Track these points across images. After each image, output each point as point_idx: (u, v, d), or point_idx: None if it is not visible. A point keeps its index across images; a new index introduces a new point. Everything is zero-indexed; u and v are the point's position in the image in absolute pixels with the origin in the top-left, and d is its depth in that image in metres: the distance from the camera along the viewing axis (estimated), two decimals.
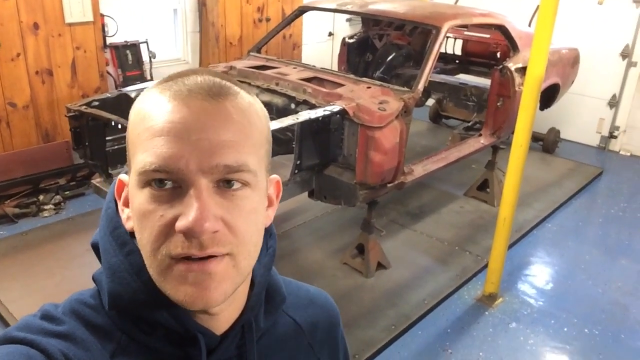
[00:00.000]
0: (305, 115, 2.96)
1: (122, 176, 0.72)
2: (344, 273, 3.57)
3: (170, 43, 5.36)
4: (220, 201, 0.62)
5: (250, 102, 0.68)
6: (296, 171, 3.16)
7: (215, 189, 0.62)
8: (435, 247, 3.96)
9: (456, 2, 6.17)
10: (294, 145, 3.15)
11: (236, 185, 0.64)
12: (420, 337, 3.11)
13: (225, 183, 0.63)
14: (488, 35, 5.19)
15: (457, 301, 3.43)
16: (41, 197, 4.19)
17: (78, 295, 0.73)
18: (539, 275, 3.80)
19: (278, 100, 3.46)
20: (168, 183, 0.62)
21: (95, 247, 0.74)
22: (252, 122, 0.66)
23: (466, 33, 5.34)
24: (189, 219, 0.59)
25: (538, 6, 3.03)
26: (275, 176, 0.77)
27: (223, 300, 0.65)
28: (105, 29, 4.56)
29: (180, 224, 0.60)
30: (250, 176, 0.64)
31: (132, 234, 0.69)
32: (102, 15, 4.49)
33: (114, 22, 4.60)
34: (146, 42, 4.90)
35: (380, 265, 3.61)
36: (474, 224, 4.32)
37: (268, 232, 0.77)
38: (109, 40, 4.62)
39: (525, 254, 4.02)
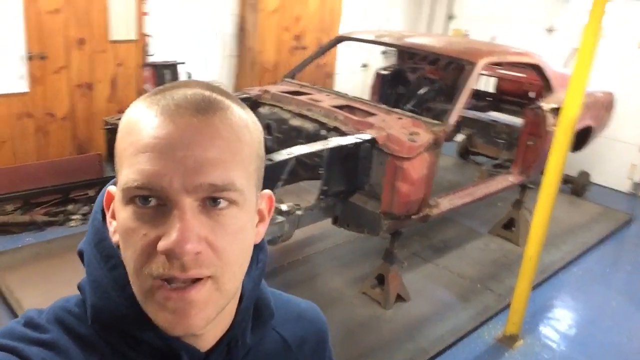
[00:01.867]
0: (335, 141, 2.99)
1: (111, 187, 0.70)
2: (362, 302, 3.54)
3: (207, 65, 5.50)
4: (205, 221, 0.60)
5: (240, 117, 0.65)
6: (322, 197, 3.18)
7: (200, 207, 0.60)
8: (456, 283, 3.90)
9: (492, 40, 6.20)
10: (320, 172, 3.18)
11: (222, 203, 0.61)
12: None
13: (211, 201, 0.61)
14: (522, 75, 5.19)
15: (477, 340, 3.36)
16: (70, 207, 4.29)
17: (63, 303, 0.70)
18: (563, 319, 3.71)
19: (309, 126, 3.50)
20: (152, 200, 0.60)
21: (81, 255, 0.72)
22: (241, 139, 0.63)
23: (500, 71, 5.35)
24: (171, 240, 0.57)
25: (575, 48, 3.03)
26: (267, 191, 0.74)
27: (204, 325, 0.63)
28: (147, 48, 4.72)
29: (161, 245, 0.58)
30: (236, 195, 0.62)
31: (118, 246, 0.66)
32: (145, 35, 4.65)
33: (156, 42, 4.75)
34: (184, 62, 5.04)
35: (399, 298, 3.57)
36: (498, 262, 4.25)
37: (259, 246, 0.75)
38: (149, 59, 4.77)
39: (549, 297, 3.93)
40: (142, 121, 0.62)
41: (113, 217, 0.68)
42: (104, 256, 0.68)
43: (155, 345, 0.66)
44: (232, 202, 0.62)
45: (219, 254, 0.61)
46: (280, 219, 2.92)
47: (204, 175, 0.59)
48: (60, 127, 4.31)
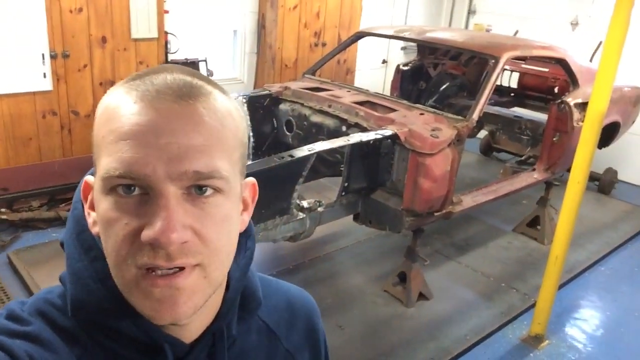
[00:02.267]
0: (356, 137, 2.96)
1: (89, 177, 0.68)
2: (384, 300, 3.51)
3: (228, 62, 5.51)
4: (191, 209, 0.58)
5: (223, 103, 0.63)
6: (343, 193, 3.16)
7: (185, 195, 0.58)
8: (480, 282, 3.84)
9: (515, 34, 6.09)
10: (341, 168, 3.16)
11: (208, 191, 0.59)
12: None
13: (196, 189, 0.59)
14: (546, 69, 5.09)
15: (501, 340, 3.30)
16: None
17: (45, 294, 0.69)
18: (589, 319, 3.63)
19: (330, 122, 3.48)
20: (135, 189, 0.58)
21: (63, 246, 0.71)
22: (225, 125, 0.61)
23: (524, 66, 5.26)
24: (155, 229, 0.56)
25: (601, 42, 2.95)
26: (250, 179, 0.73)
27: (192, 313, 0.61)
28: (168, 45, 4.73)
29: (145, 235, 0.56)
30: (222, 182, 0.60)
31: (98, 238, 0.65)
32: (166, 33, 4.67)
33: (177, 40, 4.77)
34: (205, 60, 5.05)
35: (421, 296, 3.53)
36: (522, 261, 4.17)
37: (247, 234, 0.73)
38: (170, 57, 4.79)
39: (576, 297, 3.84)
40: (121, 107, 0.59)
41: (91, 208, 0.66)
42: (85, 248, 0.66)
43: (137, 337, 0.65)
44: (217, 190, 0.60)
45: (206, 243, 0.59)
46: (301, 215, 2.91)
47: (188, 162, 0.57)
48: (84, 125, 4.35)
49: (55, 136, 4.25)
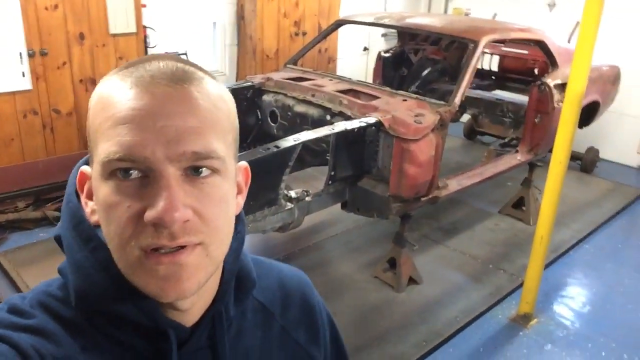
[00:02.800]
0: (341, 126, 2.97)
1: (84, 168, 0.69)
2: (375, 286, 3.54)
3: (208, 55, 5.47)
4: (190, 190, 0.60)
5: (216, 88, 0.65)
6: (330, 182, 3.17)
7: (183, 177, 0.60)
8: (468, 264, 3.89)
9: (494, 17, 6.13)
10: (327, 157, 3.17)
11: (205, 172, 0.61)
12: (451, 355, 3.04)
13: (193, 171, 0.61)
14: (526, 51, 5.13)
15: (491, 320, 3.36)
16: None
17: (45, 287, 0.70)
18: (576, 297, 3.70)
19: (314, 112, 3.48)
20: (134, 173, 0.59)
21: (58, 240, 0.71)
22: (218, 108, 0.64)
23: (503, 49, 5.29)
24: (158, 209, 0.57)
25: (578, 22, 2.99)
26: (243, 163, 0.75)
27: (196, 290, 0.63)
28: (147, 40, 4.69)
29: (149, 215, 0.58)
30: (219, 163, 0.62)
31: (96, 228, 0.66)
32: (145, 27, 4.62)
33: (156, 34, 4.72)
34: (185, 53, 5.01)
35: (411, 280, 3.57)
36: (509, 242, 4.23)
37: (237, 218, 0.74)
38: (150, 51, 4.74)
39: (562, 275, 3.91)
40: (117, 94, 0.61)
41: (89, 197, 0.67)
42: (84, 238, 0.67)
43: (141, 323, 0.66)
44: (214, 171, 0.62)
45: (206, 222, 0.61)
46: (289, 205, 2.92)
47: (186, 143, 0.59)
48: (66, 123, 4.30)
49: (38, 135, 4.20)
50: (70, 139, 4.36)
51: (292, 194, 2.94)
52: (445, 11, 7.44)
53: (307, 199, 3.01)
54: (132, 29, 4.46)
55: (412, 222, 3.65)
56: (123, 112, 0.59)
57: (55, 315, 0.66)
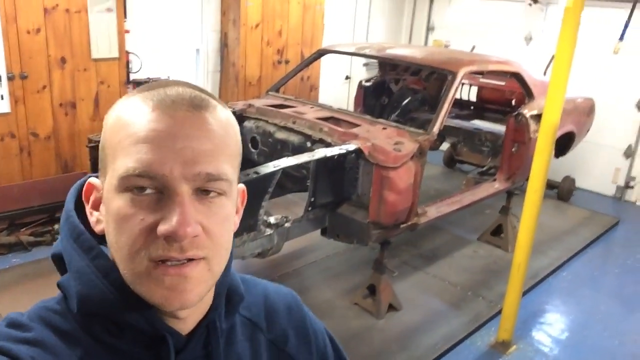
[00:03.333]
0: (321, 152, 3.00)
1: (93, 180, 0.72)
2: (354, 313, 3.52)
3: (191, 81, 5.45)
4: (200, 207, 0.65)
5: (226, 115, 0.70)
6: (310, 208, 3.18)
7: (195, 196, 0.65)
8: (447, 291, 3.90)
9: (472, 49, 6.28)
10: (308, 184, 3.18)
11: (213, 193, 0.66)
12: None
13: (203, 192, 0.65)
14: (503, 83, 5.25)
15: (470, 347, 3.36)
16: (56, 227, 4.23)
17: (43, 303, 0.72)
18: (554, 324, 3.72)
19: (294, 138, 3.51)
20: (148, 190, 0.63)
21: (55, 259, 0.74)
22: (229, 134, 0.69)
23: (482, 80, 5.41)
24: (172, 223, 0.61)
25: (553, 55, 3.08)
26: (241, 185, 0.78)
27: (197, 301, 0.67)
28: (130, 65, 4.70)
29: (163, 228, 0.62)
30: (227, 185, 0.67)
31: (98, 240, 0.70)
32: (127, 52, 4.64)
33: (139, 59, 4.74)
34: (168, 79, 5.03)
35: (391, 307, 3.56)
36: (488, 269, 4.26)
37: None
38: (132, 76, 4.75)
39: (540, 302, 3.94)
40: (139, 115, 0.65)
41: (94, 208, 0.71)
42: (85, 248, 0.70)
43: (140, 328, 0.68)
44: (221, 193, 0.67)
45: (212, 238, 0.66)
46: (269, 231, 2.91)
47: (201, 165, 0.64)
48: (44, 147, 4.26)
49: (14, 159, 4.15)
50: (47, 163, 4.32)
51: (272, 219, 2.93)
52: (426, 43, 7.60)
53: (286, 224, 3.01)
54: (115, 54, 4.48)
55: (392, 249, 3.67)
56: (144, 132, 0.63)
57: (53, 328, 0.68)
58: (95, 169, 3.22)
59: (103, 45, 4.38)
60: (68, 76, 4.26)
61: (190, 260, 0.64)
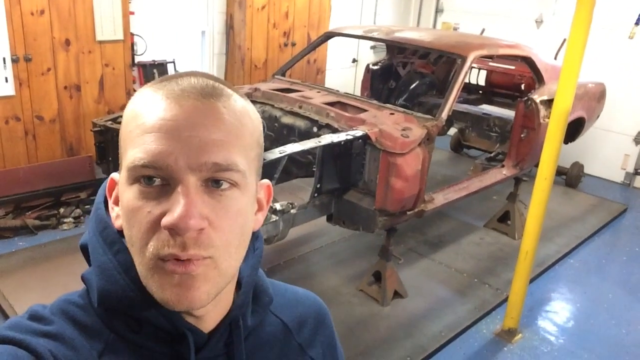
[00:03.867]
0: (327, 138, 2.96)
1: (114, 175, 0.72)
2: (359, 300, 3.51)
3: (196, 64, 5.44)
4: (208, 200, 0.62)
5: (243, 105, 0.68)
6: (316, 194, 3.15)
7: (203, 187, 0.62)
8: (453, 278, 3.88)
9: (482, 33, 6.18)
10: (314, 169, 3.15)
11: (224, 185, 0.63)
12: None
13: (213, 182, 0.63)
14: (513, 67, 5.17)
15: (475, 335, 3.35)
16: (62, 210, 4.23)
17: (66, 296, 0.72)
18: (561, 312, 3.70)
19: (301, 123, 3.47)
20: (157, 180, 0.62)
21: (84, 249, 0.74)
22: (243, 124, 0.66)
23: (491, 64, 5.33)
24: (174, 215, 0.59)
25: (565, 39, 3.01)
26: (265, 181, 0.76)
27: (207, 301, 0.64)
28: (135, 47, 4.66)
29: (165, 220, 0.60)
30: (239, 176, 0.64)
31: (121, 234, 0.69)
32: (132, 35, 4.59)
33: (144, 42, 4.69)
34: (173, 62, 4.98)
35: (396, 294, 3.55)
36: (494, 256, 4.23)
37: (254, 235, 0.77)
38: (137, 59, 4.71)
39: (547, 290, 3.92)
40: (149, 105, 0.64)
41: (115, 203, 0.70)
42: (109, 242, 0.70)
43: (160, 325, 0.68)
44: (233, 184, 0.64)
45: (218, 233, 0.63)
46: (274, 217, 2.89)
47: (208, 154, 0.61)
48: (49, 130, 4.25)
49: (19, 142, 4.13)
50: (52, 147, 4.30)
51: (277, 206, 2.91)
52: (434, 25, 7.50)
53: (292, 211, 2.99)
54: (120, 36, 4.43)
55: (398, 236, 3.64)
56: (152, 122, 0.62)
57: (74, 322, 0.68)
58: (100, 154, 3.20)
59: (108, 27, 4.34)
60: (72, 58, 4.23)
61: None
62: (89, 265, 0.72)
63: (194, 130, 0.61)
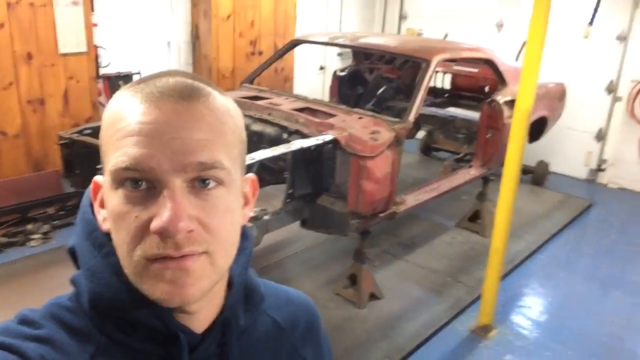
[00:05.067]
0: (297, 144, 2.97)
1: (97, 177, 0.72)
2: (336, 304, 3.52)
3: None
4: (195, 201, 0.62)
5: (223, 103, 0.68)
6: (288, 200, 3.16)
7: (189, 188, 0.62)
8: (427, 278, 3.93)
9: (445, 37, 6.31)
10: (285, 175, 3.16)
11: (211, 184, 0.64)
12: None
13: (199, 182, 0.63)
14: (476, 70, 5.29)
15: (451, 333, 3.39)
16: (29, 227, 4.13)
17: (55, 300, 0.72)
18: (533, 306, 3.78)
19: (270, 130, 3.47)
20: (142, 184, 0.62)
21: (72, 253, 0.73)
22: (224, 122, 0.66)
23: (455, 67, 5.44)
24: (163, 219, 0.59)
25: (525, 42, 3.10)
26: (250, 175, 0.77)
27: (200, 297, 0.65)
28: (99, 59, 4.60)
29: (154, 225, 0.60)
30: (224, 174, 0.64)
31: (109, 237, 0.68)
32: (96, 47, 4.53)
33: (108, 53, 4.64)
34: (139, 73, 4.94)
35: (372, 296, 3.57)
36: (466, 255, 4.30)
37: (244, 235, 0.77)
38: (102, 71, 4.65)
39: (519, 285, 4.00)
40: (127, 108, 0.64)
41: (101, 206, 0.70)
42: (97, 245, 0.69)
43: (152, 326, 0.67)
44: (219, 183, 0.64)
45: (211, 232, 0.63)
46: (248, 224, 2.87)
47: (192, 154, 0.61)
48: (13, 145, 4.15)
49: None
50: (17, 162, 4.20)
51: (251, 212, 2.90)
52: (399, 32, 7.61)
53: (265, 217, 2.99)
54: (83, 48, 4.37)
55: (372, 238, 3.67)
56: (132, 126, 0.62)
57: (64, 325, 0.68)
58: (67, 167, 3.14)
59: (70, 40, 4.27)
60: (35, 72, 4.15)
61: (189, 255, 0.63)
62: (77, 269, 0.72)
63: (176, 133, 0.61)
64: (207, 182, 0.63)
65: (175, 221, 0.59)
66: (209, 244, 0.63)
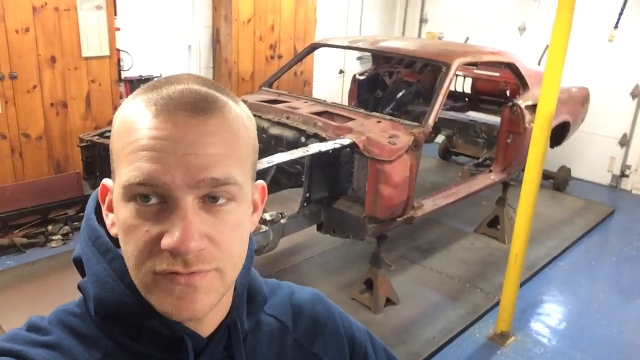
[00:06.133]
0: (315, 147, 2.97)
1: (106, 181, 0.71)
2: (352, 309, 3.51)
3: None
4: (206, 217, 0.62)
5: (237, 114, 0.67)
6: (305, 204, 3.15)
7: (200, 204, 0.62)
8: (445, 284, 3.89)
9: (466, 41, 6.26)
10: (303, 179, 3.16)
11: (222, 200, 0.63)
12: None
13: (210, 199, 0.63)
14: (497, 74, 5.23)
15: (468, 339, 3.35)
16: (50, 228, 4.20)
17: (64, 306, 0.73)
18: (552, 314, 3.72)
19: (288, 134, 3.48)
20: (153, 199, 0.61)
21: (77, 262, 0.74)
22: (239, 136, 0.66)
23: (476, 71, 5.39)
24: (174, 238, 0.59)
25: (547, 45, 3.05)
26: (260, 182, 0.76)
27: (209, 311, 0.65)
28: (121, 63, 4.66)
29: (165, 243, 0.60)
30: (236, 189, 0.64)
31: (113, 240, 0.69)
32: (119, 50, 4.60)
33: (130, 57, 4.70)
34: (160, 76, 4.98)
35: (389, 301, 3.55)
36: (485, 261, 4.25)
37: None
38: (124, 74, 4.71)
39: (538, 292, 3.94)
40: (140, 120, 0.63)
41: (109, 209, 0.70)
42: (102, 251, 0.70)
43: (158, 331, 0.68)
44: (230, 198, 0.64)
45: (221, 248, 0.63)
46: (264, 228, 2.89)
47: (206, 170, 0.61)
48: (36, 147, 4.23)
49: (6, 160, 4.11)
50: (39, 164, 4.28)
51: (267, 216, 2.91)
52: (419, 35, 7.57)
53: (282, 221, 2.99)
54: (106, 52, 4.44)
55: (389, 243, 3.65)
56: (145, 140, 0.61)
57: (72, 331, 0.68)
58: (88, 169, 3.19)
59: (93, 44, 4.34)
60: (59, 75, 4.22)
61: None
62: (82, 277, 0.73)
63: (190, 149, 0.61)
64: (217, 198, 0.63)
65: (186, 241, 0.59)
66: (219, 262, 0.63)
